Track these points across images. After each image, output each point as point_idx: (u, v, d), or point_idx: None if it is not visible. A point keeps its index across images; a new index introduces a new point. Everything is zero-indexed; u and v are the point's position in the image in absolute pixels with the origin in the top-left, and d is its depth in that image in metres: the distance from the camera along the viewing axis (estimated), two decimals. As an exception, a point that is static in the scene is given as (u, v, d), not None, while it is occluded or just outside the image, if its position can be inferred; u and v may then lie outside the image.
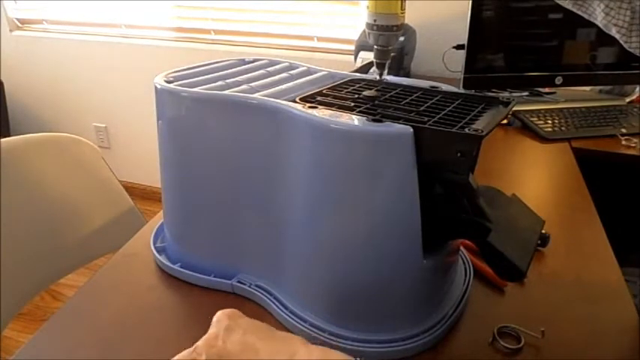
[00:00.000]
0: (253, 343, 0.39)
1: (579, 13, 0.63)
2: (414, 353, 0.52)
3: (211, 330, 0.41)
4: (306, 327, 0.54)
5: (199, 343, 0.40)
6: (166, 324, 0.57)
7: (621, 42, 0.61)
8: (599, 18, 0.61)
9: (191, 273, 0.62)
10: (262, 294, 0.58)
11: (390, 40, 0.52)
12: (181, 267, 0.63)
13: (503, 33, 1.31)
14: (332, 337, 0.52)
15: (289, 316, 0.55)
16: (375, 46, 0.55)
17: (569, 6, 0.63)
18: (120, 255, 0.68)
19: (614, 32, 0.61)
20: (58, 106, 2.38)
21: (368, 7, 0.51)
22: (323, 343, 0.52)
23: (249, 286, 0.59)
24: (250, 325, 0.41)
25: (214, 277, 0.61)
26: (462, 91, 0.59)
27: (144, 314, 0.58)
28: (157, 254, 0.66)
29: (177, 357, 0.41)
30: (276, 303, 0.57)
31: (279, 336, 0.41)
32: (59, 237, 0.86)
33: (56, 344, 0.54)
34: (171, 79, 0.60)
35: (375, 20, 0.51)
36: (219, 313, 0.43)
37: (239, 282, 0.60)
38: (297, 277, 0.56)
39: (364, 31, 0.55)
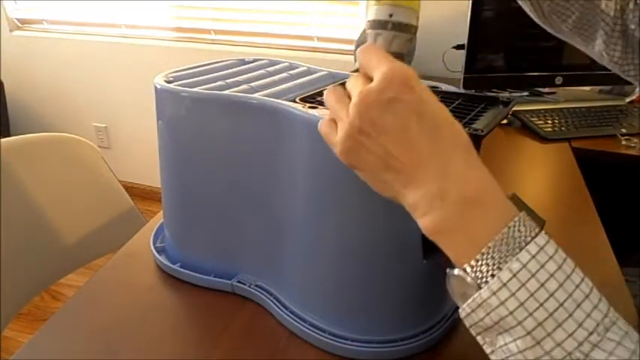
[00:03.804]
0: (413, 132, 0.33)
1: (579, 39, 0.63)
2: (413, 353, 0.52)
3: (374, 86, 0.34)
4: (306, 327, 0.54)
5: (354, 100, 0.34)
6: (166, 324, 0.57)
7: (619, 73, 0.62)
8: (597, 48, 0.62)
9: (191, 273, 0.62)
10: (262, 294, 0.58)
11: (404, 45, 0.42)
12: (181, 267, 0.63)
13: (503, 33, 1.31)
14: (332, 337, 0.52)
15: (289, 316, 0.55)
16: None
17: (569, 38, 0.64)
18: (120, 255, 0.68)
19: (606, 62, 0.62)
20: (58, 106, 2.38)
21: None
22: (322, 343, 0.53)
23: (249, 286, 0.59)
24: (417, 107, 0.34)
25: (214, 277, 0.61)
26: (462, 91, 0.59)
27: (144, 314, 0.58)
28: (156, 254, 0.66)
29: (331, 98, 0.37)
30: (276, 303, 0.57)
31: (445, 137, 0.34)
32: (59, 237, 0.86)
33: (56, 344, 0.54)
34: (171, 79, 0.60)
35: (390, 15, 0.40)
36: (388, 72, 0.34)
37: (239, 282, 0.60)
38: (297, 277, 0.56)
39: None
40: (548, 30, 0.65)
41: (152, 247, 0.67)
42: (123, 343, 0.53)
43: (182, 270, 0.63)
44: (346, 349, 0.52)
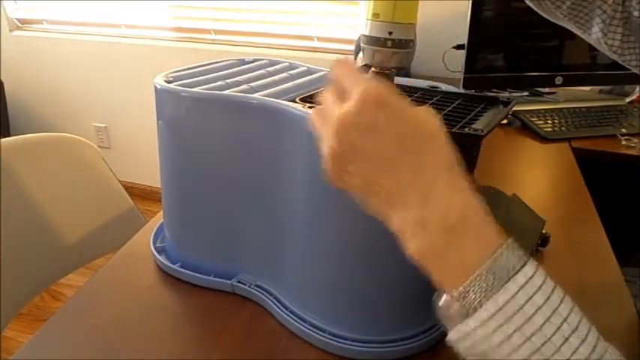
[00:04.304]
0: (393, 156, 0.33)
1: (574, 26, 0.63)
2: (413, 353, 0.52)
3: (350, 109, 0.33)
4: (306, 327, 0.54)
5: (333, 126, 0.34)
6: (166, 324, 0.57)
7: (619, 61, 0.61)
8: (593, 37, 0.61)
9: (191, 273, 0.62)
10: (262, 294, 0.58)
11: (403, 59, 0.40)
12: (181, 267, 0.63)
13: (503, 33, 1.31)
14: (332, 337, 0.52)
15: (289, 316, 0.55)
16: (386, 68, 0.41)
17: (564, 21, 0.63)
18: (120, 255, 0.68)
19: (604, 49, 0.62)
20: (58, 106, 2.38)
21: (377, 15, 0.38)
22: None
23: (249, 286, 0.59)
24: (395, 128, 0.33)
25: (214, 277, 0.61)
26: (462, 91, 0.59)
27: (144, 314, 0.58)
28: (156, 254, 0.66)
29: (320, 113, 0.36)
30: (276, 303, 0.57)
31: (427, 157, 0.33)
32: (59, 237, 0.86)
33: (56, 344, 0.54)
34: (171, 79, 0.60)
35: (390, 33, 0.38)
36: (362, 94, 0.33)
37: (239, 282, 0.60)
38: (297, 277, 0.56)
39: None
40: (544, 15, 0.64)
41: (152, 247, 0.67)
42: (123, 342, 0.53)
43: (182, 270, 0.63)
44: (346, 349, 0.52)
